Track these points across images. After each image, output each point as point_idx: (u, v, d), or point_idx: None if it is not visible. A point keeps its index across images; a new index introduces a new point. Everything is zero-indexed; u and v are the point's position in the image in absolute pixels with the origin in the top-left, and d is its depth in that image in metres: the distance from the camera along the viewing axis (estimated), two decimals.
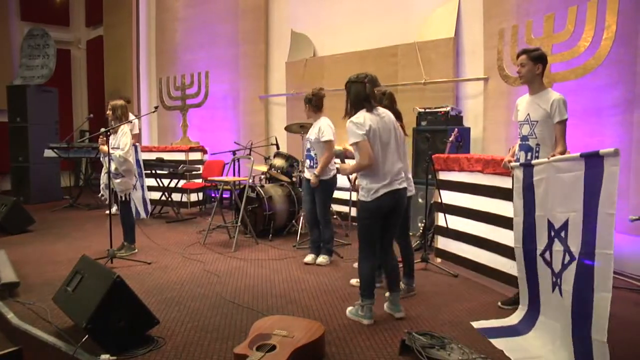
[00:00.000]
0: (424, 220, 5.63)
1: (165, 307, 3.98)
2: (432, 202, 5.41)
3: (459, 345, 3.06)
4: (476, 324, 3.63)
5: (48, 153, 8.81)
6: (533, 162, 3.44)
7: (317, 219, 5.39)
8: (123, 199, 5.51)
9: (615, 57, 4.95)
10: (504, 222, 4.34)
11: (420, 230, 5.84)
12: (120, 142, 5.38)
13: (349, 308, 3.87)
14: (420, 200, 6.09)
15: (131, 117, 6.17)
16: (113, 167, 5.34)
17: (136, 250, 5.69)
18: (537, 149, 3.65)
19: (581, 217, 2.84)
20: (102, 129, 5.27)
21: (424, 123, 6.61)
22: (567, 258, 2.96)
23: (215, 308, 4.00)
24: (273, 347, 2.85)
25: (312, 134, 5.32)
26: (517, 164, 3.63)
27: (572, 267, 2.88)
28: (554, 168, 3.15)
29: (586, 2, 5.07)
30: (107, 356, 3.03)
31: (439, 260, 5.28)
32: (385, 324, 3.68)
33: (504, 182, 4.24)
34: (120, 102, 5.56)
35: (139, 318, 3.29)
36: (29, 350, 3.17)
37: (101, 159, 5.68)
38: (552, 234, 3.16)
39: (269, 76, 9.61)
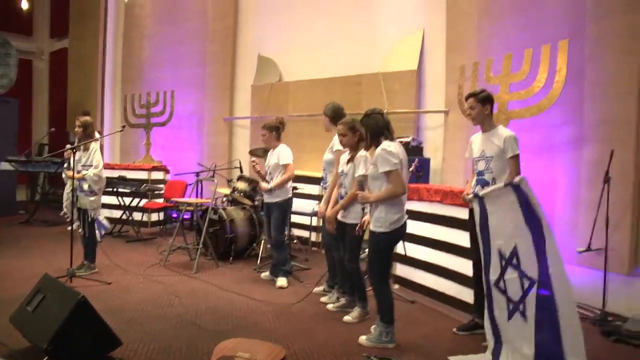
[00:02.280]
0: None
1: (127, 328, 3.95)
2: None
3: None
4: (454, 359, 3.69)
5: (4, 166, 8.60)
6: (480, 193, 3.56)
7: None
8: (93, 216, 5.47)
9: (566, 98, 5.24)
10: (461, 251, 4.52)
11: None
12: (93, 159, 5.37)
13: (364, 337, 3.90)
14: None
15: (96, 134, 6.13)
16: (86, 185, 5.32)
17: (96, 270, 5.62)
18: (494, 182, 3.84)
19: (530, 241, 3.03)
20: (68, 145, 5.23)
21: None
22: (527, 283, 3.09)
23: (178, 329, 4.02)
24: None
25: (272, 160, 5.51)
26: (472, 196, 3.81)
27: (534, 291, 3.03)
28: (496, 200, 3.34)
29: (540, 46, 5.38)
30: None
31: (397, 286, 5.40)
32: (346, 346, 3.78)
33: (462, 213, 4.43)
34: (89, 118, 5.52)
35: (102, 339, 3.29)
36: None
37: (63, 176, 5.61)
38: (503, 263, 3.32)
39: (235, 98, 9.64)
